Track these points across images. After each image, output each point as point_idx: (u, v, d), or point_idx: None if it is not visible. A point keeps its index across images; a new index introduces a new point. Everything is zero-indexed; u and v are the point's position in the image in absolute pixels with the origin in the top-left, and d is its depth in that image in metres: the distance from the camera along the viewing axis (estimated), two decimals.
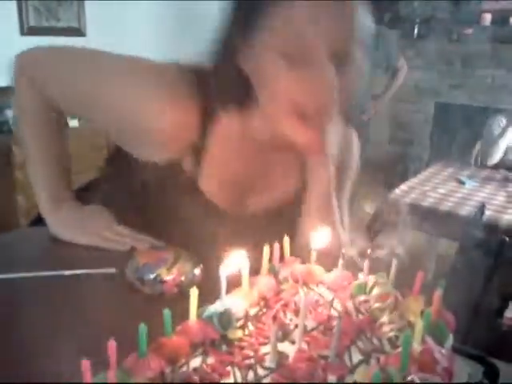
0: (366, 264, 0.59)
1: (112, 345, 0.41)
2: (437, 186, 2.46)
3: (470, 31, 4.04)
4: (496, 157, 2.76)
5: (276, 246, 0.60)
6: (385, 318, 0.52)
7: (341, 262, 0.60)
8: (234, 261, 0.53)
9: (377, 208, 2.31)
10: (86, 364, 0.38)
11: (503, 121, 2.77)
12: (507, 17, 3.90)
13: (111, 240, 0.81)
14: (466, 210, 2.15)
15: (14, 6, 3.22)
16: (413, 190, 2.39)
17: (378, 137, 4.29)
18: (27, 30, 3.29)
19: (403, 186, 2.43)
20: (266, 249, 0.58)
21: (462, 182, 2.53)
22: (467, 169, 2.78)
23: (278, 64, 0.64)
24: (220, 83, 0.72)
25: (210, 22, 0.70)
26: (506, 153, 2.80)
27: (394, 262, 0.58)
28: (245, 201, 0.83)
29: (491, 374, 0.55)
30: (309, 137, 0.67)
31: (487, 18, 3.96)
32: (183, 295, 0.65)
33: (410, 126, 4.56)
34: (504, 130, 2.73)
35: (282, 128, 0.68)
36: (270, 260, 0.59)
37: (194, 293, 0.49)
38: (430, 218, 2.17)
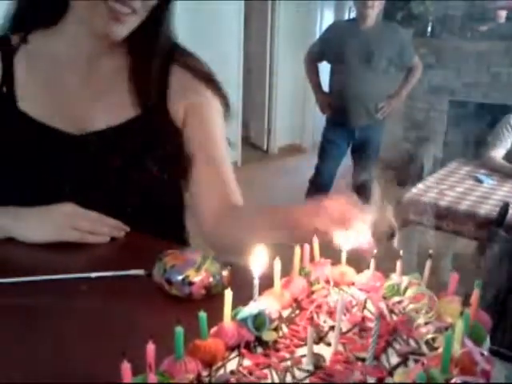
0: (398, 264, 0.58)
1: (150, 347, 0.40)
2: (454, 185, 2.43)
3: (484, 28, 4.00)
4: (500, 150, 2.71)
5: (306, 247, 0.59)
6: (421, 319, 0.51)
7: (372, 262, 0.59)
8: (265, 262, 0.53)
9: (394, 207, 2.29)
10: (125, 366, 0.37)
11: None
12: None
13: (86, 230, 0.79)
14: (485, 209, 2.12)
15: None
16: (430, 188, 2.36)
17: (391, 135, 4.26)
18: None
19: (420, 185, 2.40)
20: (297, 249, 0.58)
21: (479, 181, 2.50)
22: (485, 167, 2.74)
23: None
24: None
25: None
26: None
27: (428, 263, 0.57)
28: (82, 118, 0.84)
29: None
30: (111, 18, 0.75)
31: (502, 15, 3.92)
32: (211, 297, 0.66)
33: (424, 125, 4.53)
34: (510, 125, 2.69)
35: (85, 12, 0.77)
36: (301, 261, 0.59)
37: (228, 295, 0.49)
38: (448, 217, 2.15)
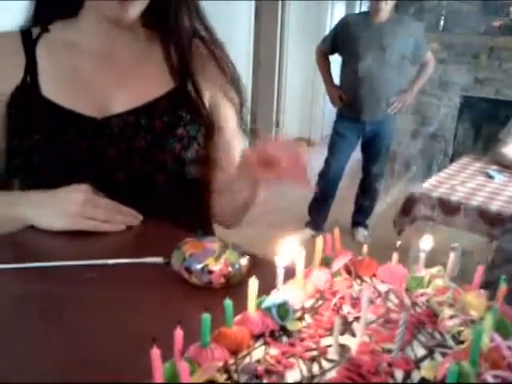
0: (422, 257, 0.57)
1: (179, 333, 0.40)
2: (465, 181, 2.42)
3: (497, 24, 3.95)
4: (511, 146, 2.69)
5: (328, 237, 0.59)
6: (446, 312, 0.51)
7: (395, 255, 0.58)
8: (289, 251, 0.52)
9: (404, 202, 2.28)
10: (156, 352, 0.37)
11: None
12: None
13: (101, 219, 0.79)
14: (496, 205, 2.11)
15: None
16: (441, 184, 2.35)
17: (402, 130, 4.24)
18: None
19: (431, 180, 2.39)
20: (320, 240, 0.57)
21: (491, 177, 2.49)
22: (496, 163, 2.73)
23: None
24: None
25: None
26: None
27: (452, 256, 0.56)
28: (106, 102, 0.85)
29: None
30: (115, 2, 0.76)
31: None
32: (229, 286, 0.66)
33: (434, 120, 4.50)
34: None
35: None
36: (324, 251, 0.58)
37: (253, 283, 0.48)
38: (458, 212, 2.14)
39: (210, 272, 0.65)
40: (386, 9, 2.82)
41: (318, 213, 3.23)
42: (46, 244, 0.80)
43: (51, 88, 0.84)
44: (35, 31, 0.87)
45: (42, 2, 0.88)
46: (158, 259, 0.71)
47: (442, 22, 4.24)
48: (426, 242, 0.56)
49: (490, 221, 2.04)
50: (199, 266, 0.65)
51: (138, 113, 0.85)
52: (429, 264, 0.59)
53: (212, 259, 0.66)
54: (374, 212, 3.32)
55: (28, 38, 0.86)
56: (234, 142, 0.96)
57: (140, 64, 0.88)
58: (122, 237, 0.81)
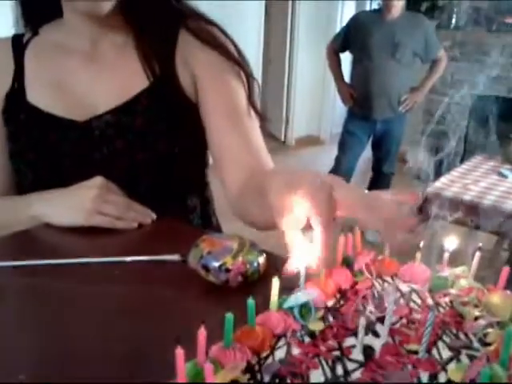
0: (445, 256, 0.56)
1: (202, 333, 0.39)
2: (478, 180, 2.40)
3: (510, 21, 3.91)
4: None
5: (349, 236, 0.58)
6: (472, 313, 0.50)
7: (418, 254, 0.57)
8: (310, 251, 0.51)
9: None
10: (180, 352, 0.36)
11: None
12: None
13: (114, 216, 0.78)
14: (510, 204, 2.09)
15: None
16: (453, 183, 2.33)
17: (412, 129, 4.20)
18: None
19: (443, 179, 2.37)
20: (341, 239, 0.56)
21: (504, 176, 2.46)
22: (509, 162, 2.70)
23: None
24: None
25: None
26: None
27: (477, 255, 0.55)
28: (89, 104, 0.83)
29: None
30: None
31: None
32: (247, 284, 0.65)
33: (445, 119, 4.46)
34: None
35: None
36: (346, 251, 0.57)
37: (275, 283, 0.48)
38: (471, 211, 2.12)
39: (228, 270, 0.64)
40: (398, 6, 2.80)
41: None
42: (58, 241, 0.80)
43: (36, 93, 0.84)
44: (26, 36, 0.88)
45: (26, 7, 0.88)
46: (175, 256, 0.70)
47: (454, 20, 4.20)
48: (451, 242, 0.55)
49: (503, 220, 2.02)
50: (217, 264, 0.65)
51: (117, 112, 0.83)
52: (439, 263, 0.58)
53: (230, 257, 0.65)
54: None
55: (18, 44, 0.87)
56: (244, 122, 0.83)
57: (122, 61, 0.86)
58: (136, 234, 0.81)
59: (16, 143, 0.85)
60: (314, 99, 5.44)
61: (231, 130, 0.82)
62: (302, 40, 5.23)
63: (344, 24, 3.16)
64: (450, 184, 2.32)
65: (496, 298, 0.51)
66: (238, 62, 0.84)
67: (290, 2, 5.08)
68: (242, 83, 0.85)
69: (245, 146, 0.81)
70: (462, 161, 3.08)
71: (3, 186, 0.89)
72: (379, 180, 3.21)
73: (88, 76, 0.85)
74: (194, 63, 0.84)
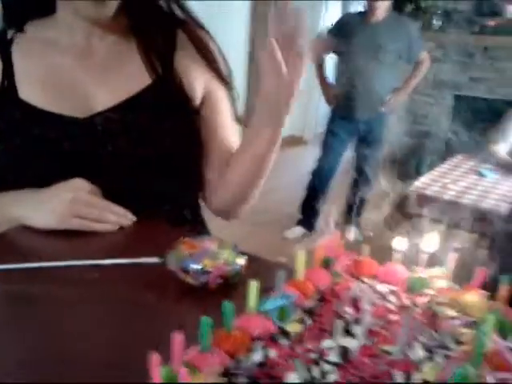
0: (422, 257, 0.57)
1: (178, 337, 0.39)
2: (458, 179, 2.43)
3: (492, 23, 3.97)
4: (503, 145, 2.71)
5: (329, 237, 0.58)
6: (447, 313, 0.50)
7: (396, 255, 0.58)
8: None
9: (396, 201, 2.29)
10: (155, 358, 0.36)
11: None
12: None
13: (92, 218, 0.78)
14: (488, 203, 2.12)
15: None
16: (434, 182, 2.36)
17: (395, 129, 4.24)
18: None
19: (424, 179, 2.40)
20: (322, 240, 0.57)
21: (483, 175, 2.50)
22: (488, 162, 2.74)
23: None
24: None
25: None
26: None
27: (453, 256, 0.56)
28: (86, 100, 0.83)
29: None
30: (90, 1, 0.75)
31: (511, 10, 3.89)
32: (227, 286, 0.65)
33: (427, 119, 4.51)
34: None
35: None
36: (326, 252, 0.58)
37: (253, 285, 0.48)
38: (451, 210, 2.15)
39: (207, 272, 0.64)
40: (382, 8, 2.82)
41: (309, 211, 3.23)
42: (35, 243, 0.79)
43: (29, 89, 0.83)
44: (10, 32, 0.86)
45: (11, 4, 0.85)
46: (154, 259, 0.70)
47: (436, 22, 4.25)
48: (429, 243, 0.56)
49: (482, 219, 2.05)
50: (196, 266, 0.65)
51: (121, 109, 0.83)
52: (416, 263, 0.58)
53: (209, 259, 0.65)
54: (365, 210, 3.32)
55: (3, 41, 0.85)
56: (231, 127, 0.94)
57: (119, 59, 0.86)
58: (116, 237, 0.80)
59: (10, 142, 0.83)
60: (299, 99, 5.44)
61: (218, 149, 0.92)
62: None
63: (328, 24, 3.17)
64: (431, 183, 2.35)
65: (470, 297, 0.51)
66: (224, 78, 0.91)
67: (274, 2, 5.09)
68: (229, 95, 0.93)
69: (226, 155, 0.92)
70: (444, 160, 3.12)
71: None
72: (361, 180, 3.23)
73: (83, 72, 0.84)
74: (194, 70, 0.88)
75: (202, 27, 0.90)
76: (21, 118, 0.82)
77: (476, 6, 4.10)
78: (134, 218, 0.83)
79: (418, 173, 3.35)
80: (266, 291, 0.52)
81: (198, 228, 0.96)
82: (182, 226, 0.77)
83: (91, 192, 0.80)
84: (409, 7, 4.46)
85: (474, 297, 0.51)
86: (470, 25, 4.13)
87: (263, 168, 0.87)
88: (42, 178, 0.82)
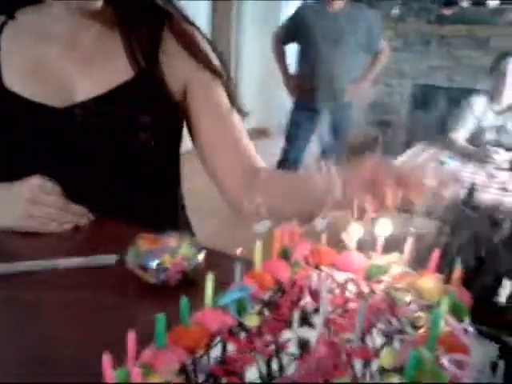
0: (378, 244, 0.57)
1: (131, 337, 0.38)
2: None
3: (449, 12, 4.06)
4: (462, 132, 2.77)
5: (286, 227, 0.58)
6: (403, 299, 0.51)
7: (353, 242, 0.58)
8: None
9: None
10: (106, 359, 0.35)
11: (475, 100, 2.80)
12: None
13: (47, 218, 0.77)
14: (449, 191, 2.17)
15: None
16: None
17: (357, 119, 4.29)
18: None
19: None
20: (277, 231, 0.56)
21: (443, 163, 2.55)
22: (448, 149, 2.80)
23: None
24: None
25: None
26: (483, 133, 2.83)
27: (409, 241, 0.56)
28: (68, 91, 0.82)
29: (506, 353, 0.55)
30: None
31: None
32: (187, 282, 0.64)
33: (388, 108, 4.59)
34: (473, 108, 2.77)
35: None
36: (282, 242, 0.57)
37: (209, 279, 0.47)
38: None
39: (166, 269, 0.63)
40: None
41: None
42: None
43: (14, 78, 0.81)
44: (1, 19, 0.85)
45: None
46: (111, 257, 0.68)
47: (395, 11, 4.31)
48: (383, 227, 0.56)
49: (443, 205, 2.09)
50: (154, 263, 0.63)
51: (100, 101, 0.82)
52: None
53: (168, 255, 0.64)
54: None
55: None
56: (230, 120, 0.88)
57: (104, 50, 0.85)
58: (72, 236, 0.78)
59: None
60: (262, 91, 5.44)
61: (221, 137, 0.87)
62: (247, 32, 5.22)
63: (288, 15, 3.17)
64: None
65: (425, 281, 0.52)
66: (215, 69, 0.87)
67: None
68: (224, 86, 0.88)
69: (235, 145, 0.87)
70: (405, 148, 3.17)
71: None
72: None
73: (68, 63, 0.83)
74: (178, 66, 0.85)
75: (188, 21, 0.88)
76: (3, 105, 0.81)
77: None
78: (92, 216, 0.81)
79: None
80: (225, 285, 0.51)
81: (179, 227, 0.93)
82: (160, 227, 0.74)
83: (49, 190, 0.78)
84: None
85: (429, 281, 0.52)
86: (428, 14, 4.20)
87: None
88: (18, 166, 0.81)
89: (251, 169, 0.86)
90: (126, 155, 0.83)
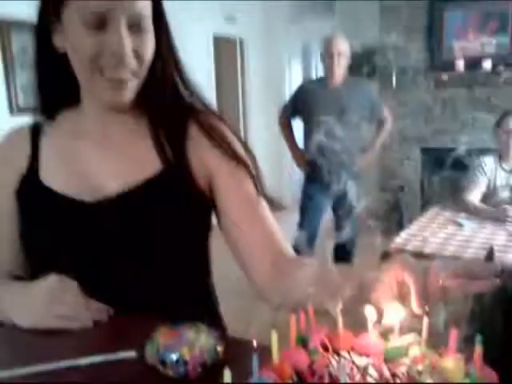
0: (396, 326, 0.57)
1: None
2: (436, 231, 2.46)
3: (445, 77, 4.19)
4: (476, 193, 2.77)
5: (302, 314, 0.58)
6: (426, 380, 0.50)
7: (370, 325, 0.58)
8: None
9: (379, 259, 2.29)
10: None
11: (485, 161, 2.83)
12: (479, 61, 4.07)
13: (68, 316, 0.78)
14: (470, 253, 2.14)
15: (2, 86, 3.32)
16: (413, 237, 2.38)
17: (370, 186, 4.33)
18: (16, 110, 3.37)
19: (403, 234, 2.42)
20: (293, 318, 0.57)
21: (460, 225, 2.53)
22: (464, 211, 2.78)
23: (80, 31, 0.76)
24: (43, 85, 0.88)
25: None
26: (497, 192, 2.83)
27: (425, 321, 0.56)
28: (99, 185, 0.85)
29: None
30: (110, 88, 0.80)
31: (460, 64, 4.13)
32: (208, 372, 0.64)
33: (399, 174, 4.63)
34: (484, 168, 2.79)
35: (90, 86, 0.81)
36: (297, 329, 0.57)
37: (227, 374, 0.47)
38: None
39: (186, 362, 0.63)
40: (339, 72, 2.97)
41: None
42: (19, 344, 0.77)
43: (49, 174, 0.87)
44: (42, 123, 0.92)
45: (46, 96, 0.91)
46: (131, 353, 0.68)
47: (394, 80, 4.46)
48: (396, 313, 0.57)
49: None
50: (174, 357, 0.63)
51: (126, 195, 0.84)
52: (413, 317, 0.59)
53: (186, 348, 0.64)
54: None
55: (35, 131, 0.92)
56: (257, 209, 0.88)
57: (133, 143, 0.89)
58: (92, 333, 0.78)
59: (27, 222, 0.86)
60: (272, 165, 5.55)
61: (250, 226, 0.87)
62: (253, 107, 5.44)
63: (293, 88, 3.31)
64: (411, 238, 2.37)
65: (447, 362, 0.51)
66: (240, 159, 0.89)
67: (239, 69, 5.35)
68: (250, 175, 0.89)
69: (266, 238, 0.87)
70: (421, 212, 3.16)
71: (11, 265, 0.90)
72: (344, 241, 3.25)
73: (100, 158, 0.88)
74: (206, 160, 0.88)
75: (215, 114, 0.93)
76: (38, 200, 0.87)
77: (428, 63, 4.33)
78: (111, 312, 0.82)
79: (398, 227, 3.40)
80: (244, 375, 0.51)
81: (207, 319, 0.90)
82: (190, 317, 0.73)
83: (69, 288, 0.81)
84: (365, 68, 4.70)
85: (451, 362, 0.51)
86: (425, 81, 4.35)
87: None
88: (48, 257, 0.84)
89: (280, 257, 0.85)
90: (154, 248, 0.84)
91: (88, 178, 0.86)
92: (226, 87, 5.35)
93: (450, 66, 4.18)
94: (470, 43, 4.15)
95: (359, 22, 4.70)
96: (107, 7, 0.75)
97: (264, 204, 0.90)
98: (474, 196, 2.80)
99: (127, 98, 0.82)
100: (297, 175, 3.38)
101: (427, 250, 2.21)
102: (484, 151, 2.95)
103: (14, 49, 3.31)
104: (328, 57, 2.97)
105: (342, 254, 3.26)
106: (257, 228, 0.87)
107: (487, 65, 4.04)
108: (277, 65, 5.67)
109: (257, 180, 0.90)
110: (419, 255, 2.19)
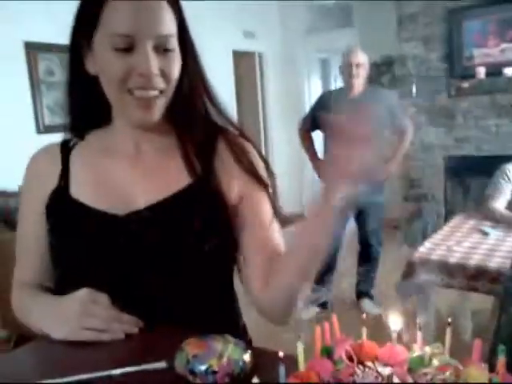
0: (419, 336, 0.58)
1: None
2: (461, 240, 2.43)
3: (466, 85, 4.16)
4: (500, 200, 2.73)
5: (327, 325, 0.60)
6: None
7: (394, 335, 0.59)
8: None
9: (404, 268, 2.28)
10: None
11: (510, 168, 2.79)
12: (500, 67, 4.04)
13: (99, 329, 0.81)
14: (496, 262, 2.11)
15: (29, 106, 3.42)
16: (438, 246, 2.36)
17: (393, 196, 4.31)
18: (43, 129, 3.47)
19: (427, 243, 2.40)
20: (318, 329, 0.58)
21: (485, 233, 2.50)
22: (489, 219, 2.74)
23: (109, 54, 0.80)
24: (74, 106, 0.93)
25: None
26: None
27: (449, 331, 0.57)
28: (129, 200, 0.88)
29: None
30: (139, 107, 0.83)
31: (481, 71, 4.09)
32: (235, 382, 0.66)
33: (422, 182, 4.59)
34: (509, 175, 2.75)
35: (120, 106, 0.85)
36: (322, 340, 0.59)
37: None
38: (459, 273, 2.13)
39: (214, 372, 0.65)
40: (358, 83, 2.98)
41: (320, 289, 3.20)
42: (45, 356, 0.81)
43: (80, 190, 0.91)
44: (72, 141, 0.96)
45: (77, 116, 0.95)
46: (162, 364, 0.71)
47: (414, 89, 4.44)
48: (395, 321, 0.58)
49: (491, 278, 2.03)
50: (203, 368, 0.66)
51: (155, 208, 0.87)
52: (440, 327, 0.59)
53: (215, 359, 0.66)
54: (376, 281, 3.30)
55: (65, 148, 0.95)
56: (270, 231, 0.91)
57: (163, 160, 0.92)
58: (123, 344, 0.81)
59: (58, 236, 0.90)
60: (294, 176, 5.57)
61: (260, 243, 0.90)
62: (274, 120, 5.48)
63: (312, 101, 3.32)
64: (435, 247, 2.34)
65: (471, 371, 0.52)
66: (263, 181, 0.92)
67: (259, 84, 5.40)
68: (268, 197, 0.93)
69: (270, 256, 0.89)
70: (445, 221, 3.13)
71: (42, 277, 0.94)
72: (368, 252, 3.24)
73: (130, 174, 0.91)
74: (231, 173, 0.91)
75: (241, 131, 0.96)
76: (69, 214, 0.90)
77: (448, 71, 4.31)
78: (141, 324, 0.84)
79: (423, 236, 3.37)
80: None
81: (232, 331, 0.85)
82: (216, 330, 0.74)
83: (99, 301, 0.84)
84: (385, 78, 4.70)
85: (474, 371, 0.52)
86: (446, 89, 4.32)
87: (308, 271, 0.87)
88: (79, 273, 0.88)
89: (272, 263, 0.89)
90: (183, 261, 0.86)
91: (118, 193, 0.90)
92: (246, 102, 5.40)
93: (470, 73, 4.15)
94: (490, 50, 4.12)
95: (378, 33, 4.72)
96: (134, 30, 0.79)
97: (276, 226, 0.92)
98: (500, 203, 2.76)
99: (156, 116, 0.85)
100: (318, 187, 3.38)
101: (452, 259, 2.19)
102: (508, 158, 2.91)
103: (41, 70, 3.43)
104: (347, 69, 2.99)
105: (367, 263, 3.25)
106: (265, 250, 0.90)
107: (508, 71, 4.00)
108: (296, 78, 5.70)
109: (273, 201, 0.93)
110: (444, 265, 2.17)
